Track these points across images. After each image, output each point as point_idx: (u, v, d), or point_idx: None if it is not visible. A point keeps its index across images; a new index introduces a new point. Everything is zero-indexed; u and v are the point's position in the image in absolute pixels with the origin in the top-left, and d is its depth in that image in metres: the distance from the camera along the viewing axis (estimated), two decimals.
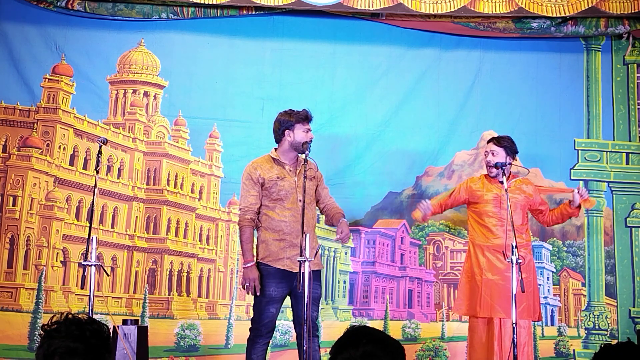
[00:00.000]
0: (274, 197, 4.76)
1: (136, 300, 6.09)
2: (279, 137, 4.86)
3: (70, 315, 2.39)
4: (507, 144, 5.24)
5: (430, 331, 6.33)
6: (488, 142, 5.36)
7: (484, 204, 5.26)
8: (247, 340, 4.76)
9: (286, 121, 4.82)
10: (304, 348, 4.37)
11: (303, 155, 4.69)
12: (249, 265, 4.69)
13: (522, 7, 6.17)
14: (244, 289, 4.75)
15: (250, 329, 4.76)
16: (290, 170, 4.82)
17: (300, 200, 4.70)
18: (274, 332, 4.88)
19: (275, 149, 4.89)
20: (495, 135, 5.60)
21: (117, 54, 6.33)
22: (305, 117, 4.82)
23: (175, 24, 6.32)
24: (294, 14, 6.33)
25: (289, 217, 4.74)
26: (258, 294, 4.67)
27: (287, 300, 4.83)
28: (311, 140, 4.76)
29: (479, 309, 5.12)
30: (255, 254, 4.79)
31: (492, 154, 5.23)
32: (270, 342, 4.85)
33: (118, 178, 6.21)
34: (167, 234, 6.22)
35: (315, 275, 4.71)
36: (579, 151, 6.54)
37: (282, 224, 4.73)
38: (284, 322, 5.96)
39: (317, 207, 5.04)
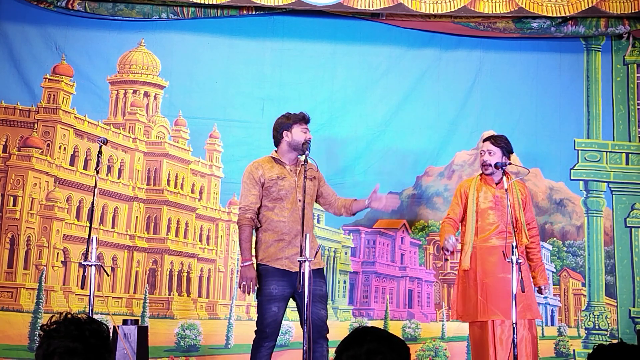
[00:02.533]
0: (273, 197, 4.75)
1: (136, 300, 6.09)
2: (277, 140, 4.86)
3: (69, 315, 2.39)
4: (503, 143, 5.21)
5: (430, 331, 6.32)
6: (484, 140, 5.30)
7: (480, 205, 5.21)
8: (252, 342, 4.73)
9: (283, 123, 4.84)
10: (304, 348, 4.35)
11: (303, 156, 4.69)
12: (246, 264, 4.67)
13: (522, 7, 6.16)
14: (240, 287, 4.73)
15: (255, 332, 4.71)
16: (290, 170, 4.82)
17: (300, 200, 4.70)
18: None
19: (276, 151, 4.89)
20: (495, 134, 5.57)
21: (117, 54, 6.33)
22: (302, 118, 4.83)
23: (176, 24, 6.32)
24: (294, 14, 6.33)
25: (287, 217, 4.73)
26: (254, 293, 4.65)
27: (292, 302, 4.81)
28: (310, 140, 4.76)
29: (477, 312, 5.06)
30: (253, 253, 4.78)
31: (489, 153, 5.19)
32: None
33: (118, 178, 6.22)
34: (167, 234, 6.22)
35: (319, 273, 4.69)
36: (579, 151, 6.54)
37: (280, 224, 4.72)
38: (284, 322, 5.92)
39: (326, 205, 5.02)
